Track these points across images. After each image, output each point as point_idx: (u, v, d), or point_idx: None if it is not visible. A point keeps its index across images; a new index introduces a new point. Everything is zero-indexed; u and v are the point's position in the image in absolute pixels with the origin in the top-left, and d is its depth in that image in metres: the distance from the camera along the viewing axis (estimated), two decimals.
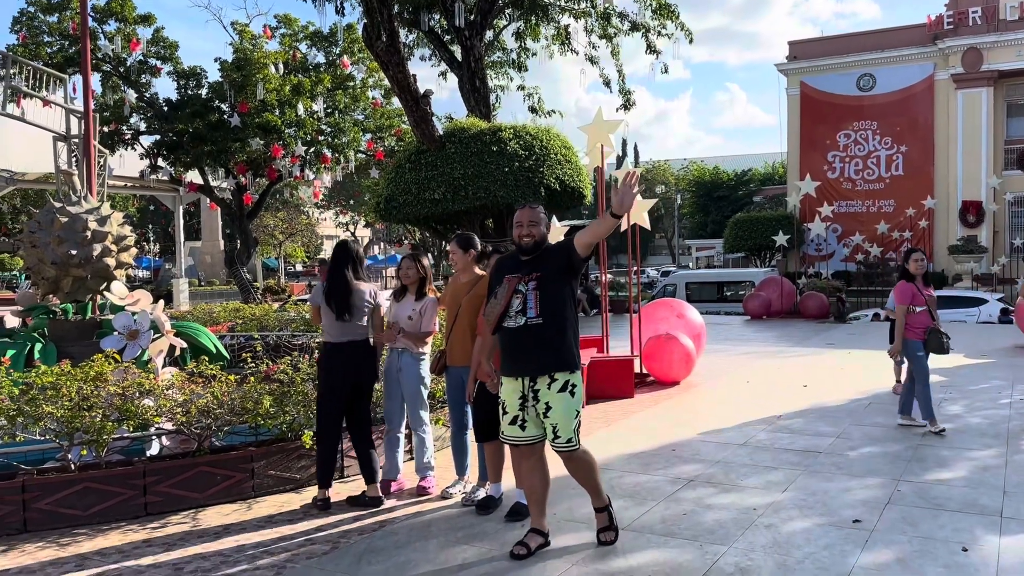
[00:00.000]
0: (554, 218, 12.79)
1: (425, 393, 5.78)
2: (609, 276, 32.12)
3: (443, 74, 25.84)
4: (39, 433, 5.34)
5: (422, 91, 18.39)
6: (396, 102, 26.16)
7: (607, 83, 25.74)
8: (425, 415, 5.80)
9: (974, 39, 30.63)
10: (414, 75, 18.14)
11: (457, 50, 23.02)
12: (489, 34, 23.99)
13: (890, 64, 32.15)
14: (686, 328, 10.60)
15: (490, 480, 5.40)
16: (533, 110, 26.72)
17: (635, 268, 11.61)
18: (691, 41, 24.36)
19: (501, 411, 4.43)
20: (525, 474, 4.53)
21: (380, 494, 5.49)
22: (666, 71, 25.69)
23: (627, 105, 25.17)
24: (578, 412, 4.32)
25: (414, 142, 20.74)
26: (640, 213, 10.50)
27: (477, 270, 5.48)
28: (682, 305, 11.63)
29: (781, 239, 20.22)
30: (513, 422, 4.38)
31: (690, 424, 7.81)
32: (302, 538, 4.91)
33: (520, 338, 4.29)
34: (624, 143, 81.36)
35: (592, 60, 25.67)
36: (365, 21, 17.55)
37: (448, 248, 5.52)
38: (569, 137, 21.23)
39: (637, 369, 10.02)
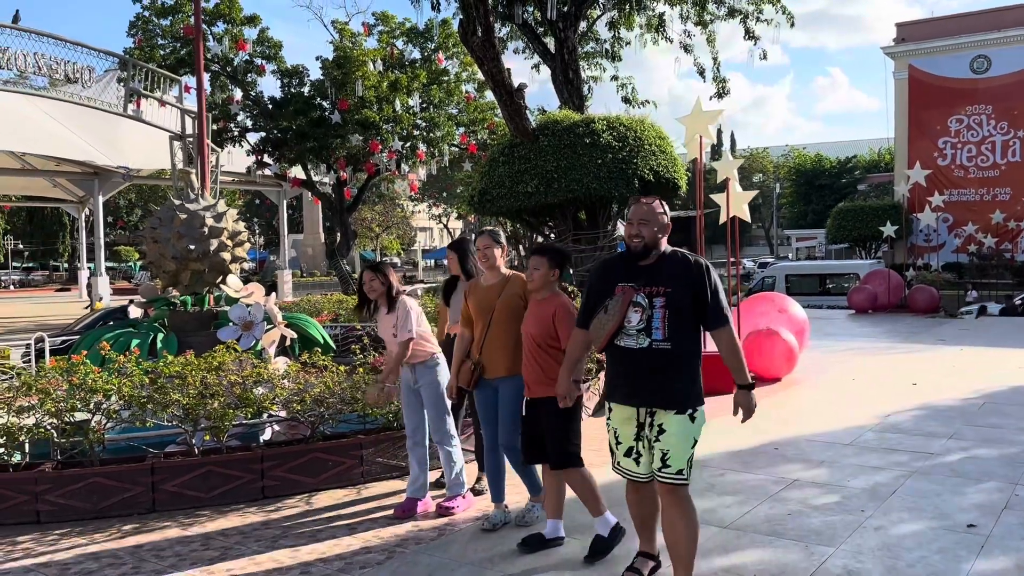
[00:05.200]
0: None
1: (448, 402, 5.28)
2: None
3: (536, 66, 25.87)
4: (166, 420, 5.69)
5: (516, 84, 18.51)
6: (489, 95, 26.42)
7: (701, 72, 25.24)
8: (452, 426, 5.33)
9: None
10: (508, 69, 18.28)
11: (550, 42, 23.03)
12: (583, 25, 23.89)
13: (1007, 45, 30.36)
14: (788, 323, 10.37)
15: (548, 516, 4.67)
16: (627, 100, 26.48)
17: (733, 261, 11.42)
18: (792, 25, 23.66)
19: (614, 440, 3.86)
20: (635, 503, 4.01)
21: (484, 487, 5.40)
22: (764, 57, 24.99)
23: (721, 93, 24.65)
24: (695, 442, 3.74)
25: (507, 135, 20.89)
26: (740, 205, 10.33)
27: (504, 270, 4.96)
28: (784, 299, 11.38)
29: (889, 230, 19.46)
30: (628, 454, 3.83)
31: (793, 422, 7.66)
32: (410, 524, 5.08)
33: (641, 362, 3.66)
34: (720, 132, 79.49)
35: (686, 48, 25.23)
36: (461, 17, 17.79)
37: (478, 243, 4.95)
38: (663, 127, 20.98)
39: None
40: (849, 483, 5.64)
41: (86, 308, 23.75)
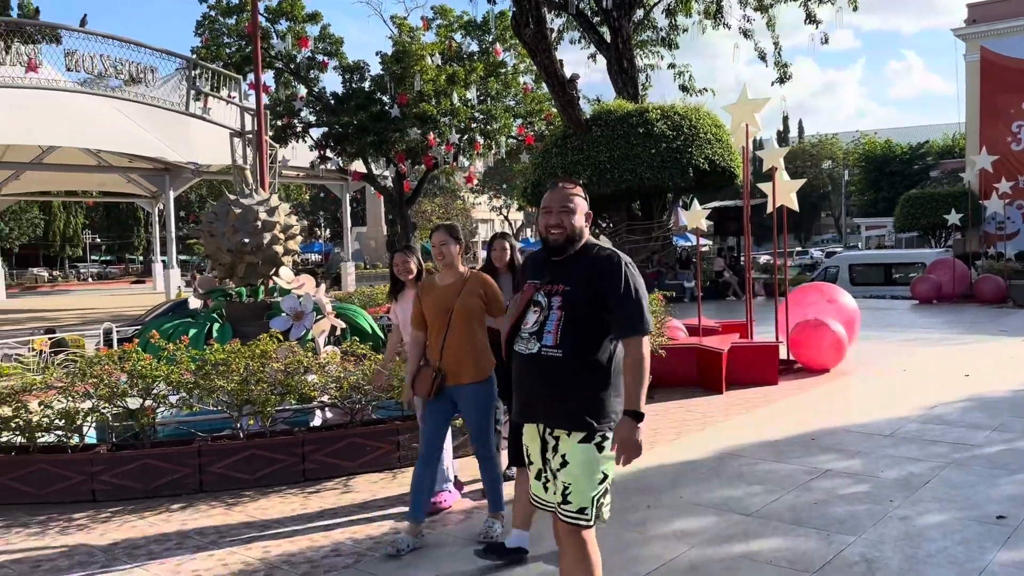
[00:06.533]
0: (695, 201, 12.65)
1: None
2: (766, 258, 31.05)
3: (592, 56, 25.82)
4: (212, 404, 5.99)
5: (568, 75, 18.56)
6: (546, 86, 26.46)
7: (762, 57, 24.88)
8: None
9: None
10: (561, 60, 18.34)
11: (605, 31, 22.96)
12: (639, 13, 23.75)
13: None
14: (837, 314, 10.20)
15: (514, 525, 4.35)
16: (684, 88, 26.24)
17: (791, 250, 11.29)
18: (855, 8, 23.07)
19: (528, 461, 3.34)
20: (562, 552, 3.20)
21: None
22: (826, 41, 24.47)
23: (783, 79, 24.22)
24: (605, 476, 3.09)
25: (562, 126, 20.94)
26: (787, 195, 10.20)
27: (461, 268, 4.66)
28: (834, 290, 11.19)
29: (954, 218, 18.83)
30: (538, 477, 3.26)
31: (835, 413, 7.59)
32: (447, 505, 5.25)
33: (530, 371, 3.16)
34: (785, 118, 77.84)
35: (746, 33, 24.86)
36: (514, 9, 17.89)
37: (433, 240, 4.61)
38: (721, 115, 20.72)
39: (784, 356, 9.79)
40: (882, 474, 5.59)
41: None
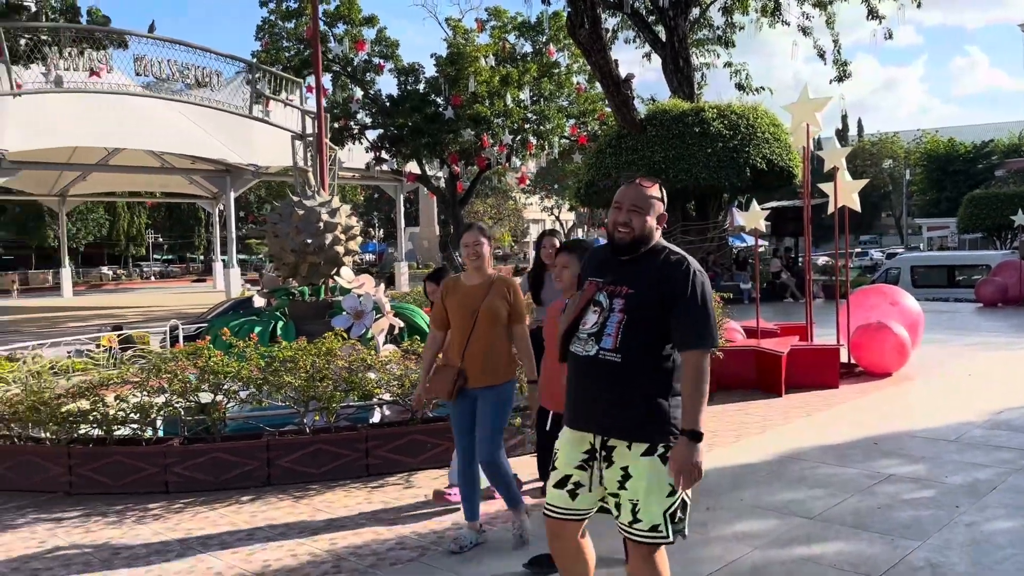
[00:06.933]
0: (753, 201, 12.52)
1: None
2: (825, 258, 30.45)
3: (647, 55, 25.72)
4: (280, 400, 6.17)
5: (623, 75, 18.53)
6: (599, 86, 26.42)
7: (821, 54, 24.48)
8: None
9: None
10: (616, 60, 18.32)
11: (661, 31, 22.84)
12: (694, 12, 23.58)
13: None
14: (900, 316, 10.01)
15: None
16: (740, 87, 25.97)
17: (852, 251, 11.12)
18: (919, 5, 22.55)
19: (552, 466, 3.09)
20: (560, 552, 3.14)
21: None
22: (890, 37, 23.98)
23: (842, 77, 23.79)
24: (675, 489, 2.88)
25: (615, 126, 20.90)
26: (849, 195, 10.04)
27: (490, 270, 4.56)
28: (897, 292, 10.98)
29: (1020, 218, 18.28)
30: (562, 484, 3.02)
31: (897, 417, 7.47)
32: (500, 504, 5.33)
33: (588, 375, 2.97)
34: (844, 117, 76.29)
35: (805, 31, 24.50)
36: (569, 10, 17.94)
37: (465, 238, 4.50)
38: (779, 114, 20.46)
39: (844, 359, 9.64)
40: (947, 479, 5.50)
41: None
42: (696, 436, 2.80)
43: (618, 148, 19.38)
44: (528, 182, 39.98)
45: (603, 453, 2.93)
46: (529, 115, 28.19)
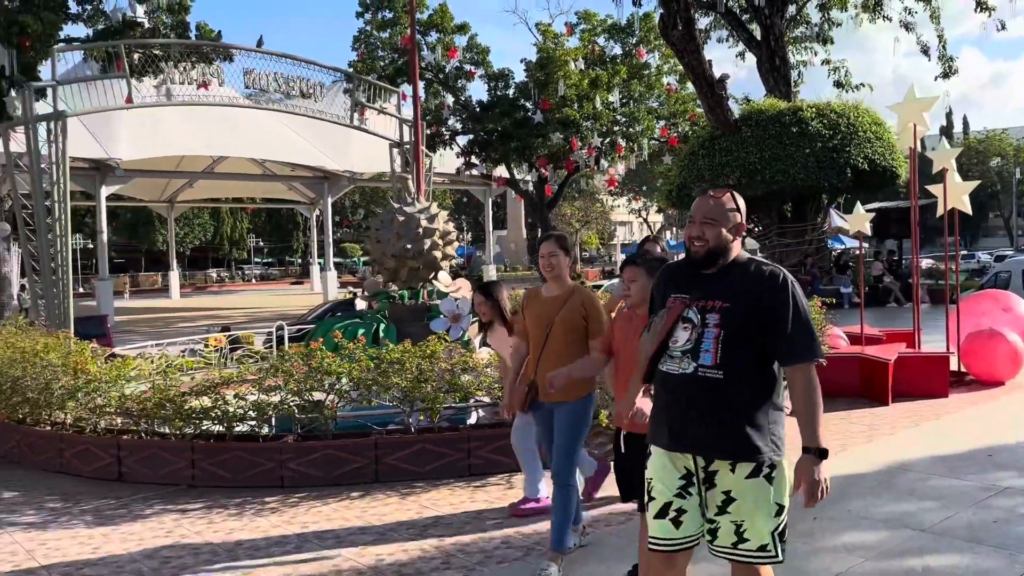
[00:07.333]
0: (858, 203, 12.17)
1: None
2: (929, 262, 29.21)
3: (741, 54, 25.31)
4: (388, 400, 6.39)
5: (718, 75, 18.28)
6: (691, 87, 26.13)
7: (925, 50, 23.56)
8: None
9: None
10: (709, 60, 18.09)
11: (756, 29, 22.43)
12: (791, 9, 23.06)
13: None
14: (1014, 323, 9.59)
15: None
16: (839, 84, 25.25)
17: (959, 255, 10.71)
18: None
19: (648, 497, 2.96)
20: None
21: None
22: (1003, 28, 22.87)
23: (948, 73, 22.84)
24: (781, 508, 2.83)
25: (708, 127, 20.63)
26: (959, 197, 9.68)
27: (569, 281, 4.49)
28: (1010, 297, 10.50)
29: None
30: (663, 513, 2.88)
31: (1012, 428, 7.16)
32: (601, 504, 5.40)
33: (685, 393, 2.86)
34: (949, 114, 73.00)
35: (907, 26, 23.62)
36: (662, 11, 17.83)
37: (541, 250, 4.43)
38: (881, 112, 19.79)
39: (954, 367, 9.30)
40: None
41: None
42: (822, 453, 2.76)
43: (711, 149, 19.12)
44: (616, 184, 39.78)
45: (703, 476, 2.84)
46: (618, 117, 28.12)
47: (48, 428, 7.03)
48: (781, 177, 17.99)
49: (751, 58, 23.04)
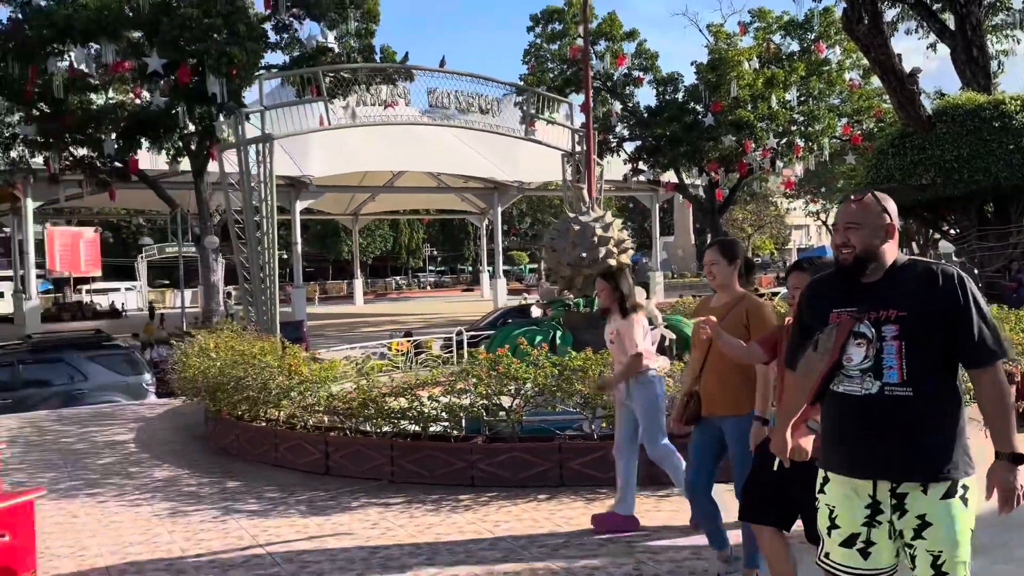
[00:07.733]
0: None
1: (663, 417, 5.16)
2: None
3: (932, 46, 23.73)
4: (571, 406, 6.55)
5: (908, 70, 17.23)
6: (875, 81, 24.75)
7: None
8: (665, 438, 5.17)
9: None
10: (899, 54, 17.09)
11: (949, 18, 20.93)
12: None
13: None
14: None
15: None
16: None
17: None
18: None
19: (826, 523, 2.77)
20: None
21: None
22: None
23: None
24: (971, 532, 2.67)
25: (896, 124, 19.46)
26: None
27: (738, 288, 4.28)
28: None
29: None
30: (850, 543, 2.70)
31: None
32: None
33: (870, 415, 2.66)
34: None
35: None
36: (844, 5, 17.03)
37: (705, 258, 4.37)
38: None
39: None
40: None
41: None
42: (1017, 458, 2.58)
43: (901, 148, 18.02)
44: (793, 187, 38.27)
45: (893, 501, 2.62)
46: (796, 116, 27.07)
47: (263, 424, 7.73)
48: (981, 176, 16.68)
49: (943, 49, 21.53)
